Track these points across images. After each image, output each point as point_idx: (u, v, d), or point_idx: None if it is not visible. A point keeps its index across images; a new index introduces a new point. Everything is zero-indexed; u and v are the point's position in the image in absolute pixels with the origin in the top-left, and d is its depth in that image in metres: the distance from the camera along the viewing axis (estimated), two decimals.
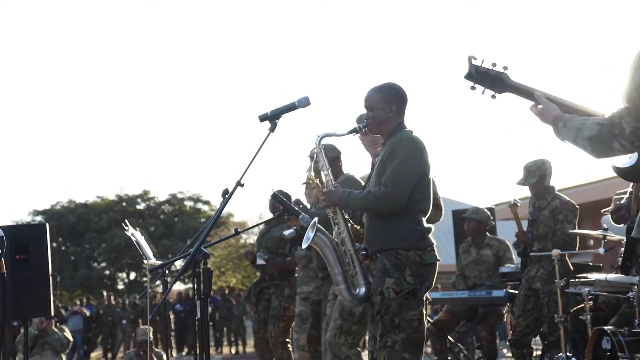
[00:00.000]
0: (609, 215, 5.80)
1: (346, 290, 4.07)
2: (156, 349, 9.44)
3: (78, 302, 22.89)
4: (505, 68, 2.98)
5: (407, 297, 3.92)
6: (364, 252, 4.15)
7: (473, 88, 2.98)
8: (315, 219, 4.15)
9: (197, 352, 3.95)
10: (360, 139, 5.09)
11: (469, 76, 2.97)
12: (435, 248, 4.07)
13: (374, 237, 4.07)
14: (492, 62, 2.97)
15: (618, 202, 5.72)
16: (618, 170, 2.90)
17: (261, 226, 7.94)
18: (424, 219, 4.08)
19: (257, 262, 7.44)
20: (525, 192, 7.05)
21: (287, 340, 7.26)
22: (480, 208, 8.40)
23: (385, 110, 4.14)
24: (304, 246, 4.14)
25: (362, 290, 4.06)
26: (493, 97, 2.99)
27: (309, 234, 4.06)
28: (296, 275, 7.41)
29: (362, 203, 4.06)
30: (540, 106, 2.96)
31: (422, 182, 4.04)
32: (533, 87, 3.00)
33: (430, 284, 4.01)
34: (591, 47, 53.26)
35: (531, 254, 6.62)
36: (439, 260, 4.07)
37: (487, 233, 8.14)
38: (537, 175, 6.73)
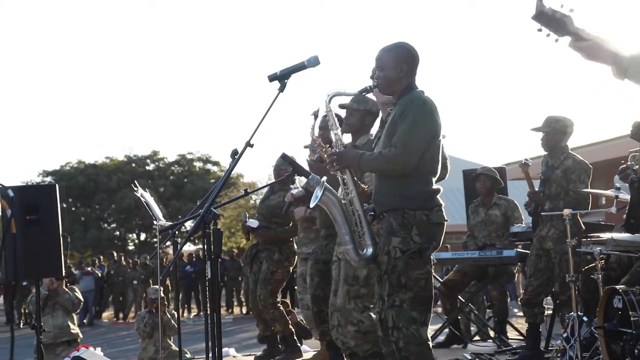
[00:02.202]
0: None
1: (353, 251, 4.11)
2: (168, 308, 9.56)
3: (90, 263, 23.09)
4: (571, 10, 2.91)
5: (414, 256, 3.95)
6: (372, 213, 4.17)
7: (539, 30, 2.94)
8: (324, 178, 4.16)
9: (208, 312, 4.00)
10: (374, 94, 5.08)
11: (536, 18, 2.92)
12: (443, 209, 4.08)
13: (382, 197, 4.10)
14: (561, 4, 2.92)
15: (626, 164, 5.73)
16: None
17: (265, 191, 7.98)
18: (433, 180, 4.09)
19: (251, 225, 7.48)
20: (537, 151, 7.04)
21: (277, 300, 7.37)
22: (490, 167, 8.41)
23: (396, 70, 4.13)
24: (311, 205, 4.16)
25: (370, 250, 4.09)
26: (556, 40, 2.94)
27: (317, 193, 4.08)
28: (289, 241, 7.47)
29: (374, 165, 4.06)
30: (588, 43, 2.91)
31: (433, 143, 4.05)
32: (593, 35, 2.94)
33: (438, 244, 4.04)
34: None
35: (542, 213, 6.63)
36: (446, 220, 4.09)
37: (495, 193, 8.15)
38: (552, 127, 6.70)
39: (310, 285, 6.28)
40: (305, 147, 6.58)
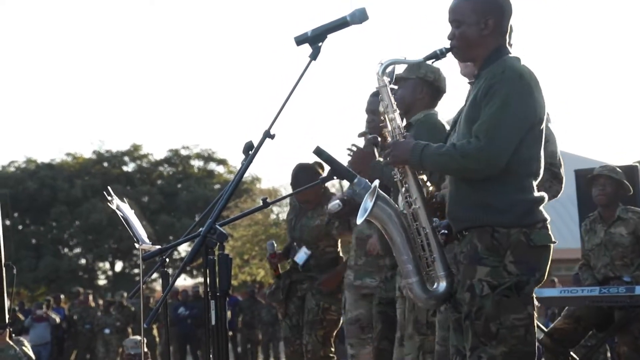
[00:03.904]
0: None
1: (419, 285, 4.11)
2: None
3: (45, 304, 23.32)
4: None
5: (509, 293, 3.95)
6: (445, 231, 4.17)
7: None
8: (376, 182, 4.17)
9: None
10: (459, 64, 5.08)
11: None
12: (549, 225, 4.08)
13: (461, 209, 4.10)
14: None
15: None
16: None
17: (288, 206, 7.97)
18: (535, 185, 4.08)
19: (298, 260, 7.48)
20: None
21: (331, 354, 7.36)
22: (614, 166, 8.33)
23: (478, 26, 4.14)
24: (358, 221, 4.17)
25: (443, 284, 4.10)
26: None
27: (367, 203, 4.09)
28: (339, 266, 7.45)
29: (444, 161, 4.06)
30: None
31: (532, 132, 4.05)
32: None
33: (543, 276, 4.03)
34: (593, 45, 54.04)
35: None
36: (554, 242, 4.09)
37: (620, 203, 8.07)
38: None
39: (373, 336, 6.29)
40: (361, 135, 6.60)
